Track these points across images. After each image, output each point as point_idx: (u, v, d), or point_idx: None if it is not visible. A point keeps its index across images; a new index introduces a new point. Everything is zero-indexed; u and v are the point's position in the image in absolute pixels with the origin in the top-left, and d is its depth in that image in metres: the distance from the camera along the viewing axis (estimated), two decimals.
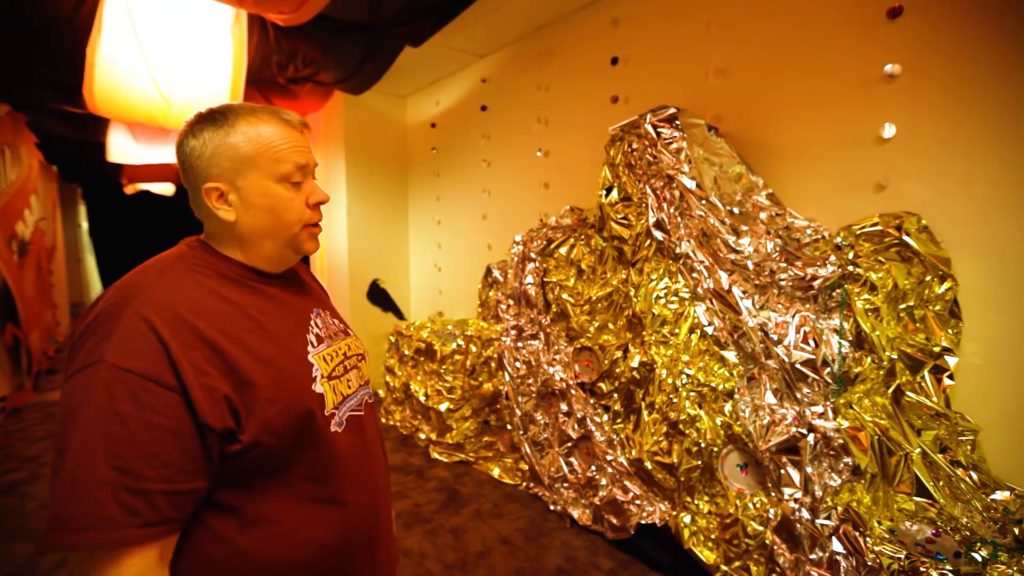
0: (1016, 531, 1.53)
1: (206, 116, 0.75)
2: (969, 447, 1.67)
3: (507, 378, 2.79)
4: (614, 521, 2.29)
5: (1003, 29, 1.62)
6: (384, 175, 4.66)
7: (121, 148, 4.46)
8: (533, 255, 2.64)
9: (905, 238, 1.74)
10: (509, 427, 2.90)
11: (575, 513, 2.48)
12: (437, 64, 3.96)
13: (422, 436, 3.46)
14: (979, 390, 1.68)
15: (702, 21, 2.44)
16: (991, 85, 1.65)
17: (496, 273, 3.08)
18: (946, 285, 1.70)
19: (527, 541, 2.42)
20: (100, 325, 0.66)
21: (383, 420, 3.96)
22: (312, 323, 0.84)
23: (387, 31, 3.11)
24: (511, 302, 2.81)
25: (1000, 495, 1.61)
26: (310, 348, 0.80)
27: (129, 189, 6.40)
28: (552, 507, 2.62)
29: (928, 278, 1.73)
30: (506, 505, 2.74)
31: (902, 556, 1.48)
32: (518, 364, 2.73)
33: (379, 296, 4.61)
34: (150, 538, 0.62)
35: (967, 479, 1.63)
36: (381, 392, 4.19)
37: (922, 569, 1.42)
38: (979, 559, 1.43)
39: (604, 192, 2.27)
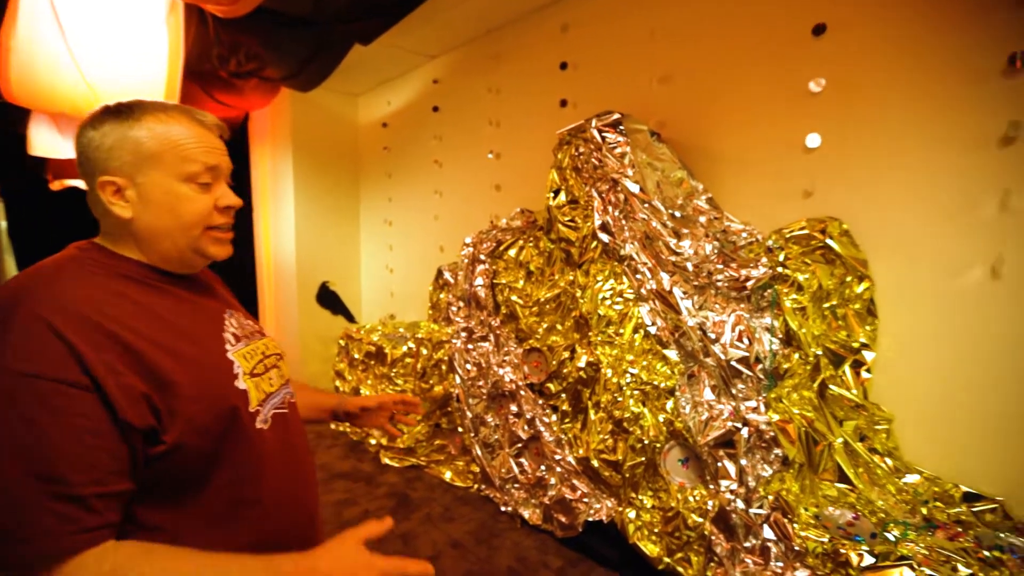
0: (924, 511, 1.65)
1: (112, 108, 0.73)
2: (884, 435, 1.79)
3: (458, 380, 2.78)
4: (563, 520, 2.32)
5: (916, 46, 1.75)
6: (334, 175, 4.55)
7: (44, 141, 4.14)
8: (483, 257, 2.64)
9: (828, 241, 1.85)
10: (460, 429, 2.89)
11: (525, 513, 2.49)
12: (389, 64, 3.91)
13: (372, 441, 3.39)
14: (893, 382, 1.82)
15: (647, 29, 2.52)
16: (904, 100, 1.79)
17: (447, 275, 3.06)
18: (864, 285, 1.83)
19: (478, 543, 2.41)
20: None
21: (331, 426, 3.85)
22: (227, 323, 0.83)
23: (334, 28, 3.04)
24: (461, 304, 2.80)
25: (911, 478, 1.74)
26: (228, 347, 0.79)
27: (55, 185, 5.96)
28: (503, 508, 2.62)
29: (849, 279, 1.85)
30: (457, 508, 2.72)
31: (825, 540, 1.57)
32: (468, 366, 2.73)
33: (328, 298, 4.49)
34: (89, 543, 0.60)
35: (883, 465, 1.75)
36: None
37: (842, 551, 1.51)
38: (892, 538, 1.54)
39: (552, 195, 2.31)
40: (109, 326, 0.65)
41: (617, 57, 2.66)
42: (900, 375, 1.80)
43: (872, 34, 1.84)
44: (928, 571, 1.38)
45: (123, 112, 0.72)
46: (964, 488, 1.67)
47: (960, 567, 1.39)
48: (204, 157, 0.75)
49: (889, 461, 1.76)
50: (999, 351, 1.63)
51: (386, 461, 3.23)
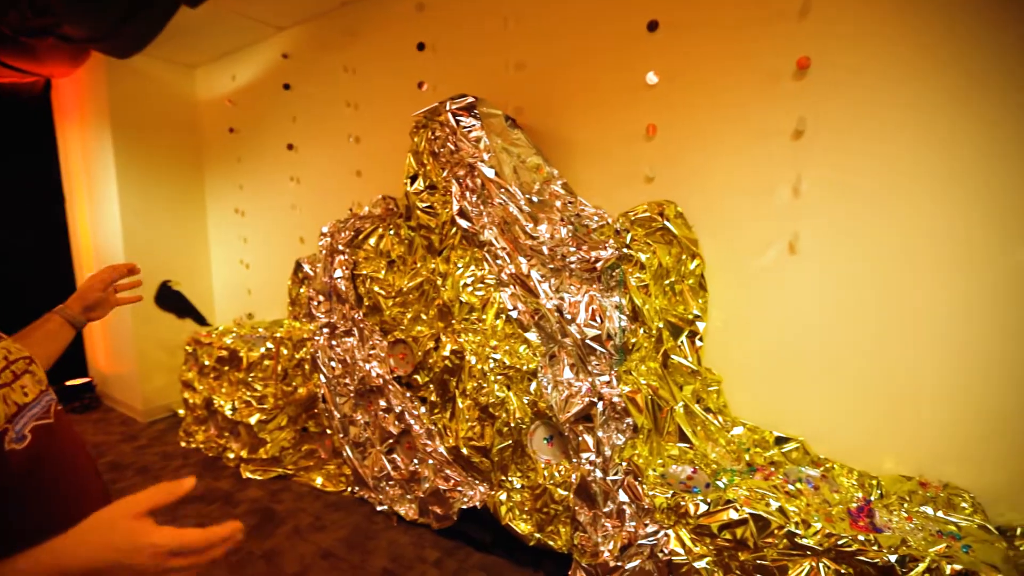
0: (747, 457, 1.89)
1: None
2: (716, 395, 2.02)
3: (323, 379, 2.60)
4: (438, 511, 2.29)
5: (728, 45, 1.95)
6: (170, 157, 3.97)
7: None
8: (341, 247, 2.48)
9: (666, 223, 2.02)
10: (329, 431, 2.71)
11: (401, 510, 2.42)
12: (231, 33, 3.47)
13: (231, 455, 3.06)
14: (721, 348, 2.04)
15: (501, 15, 2.52)
16: (721, 94, 1.98)
17: (307, 268, 2.84)
18: (696, 262, 2.02)
19: (350, 550, 2.29)
20: None
21: (182, 443, 3.41)
22: None
23: None
24: (322, 298, 2.61)
25: (737, 431, 1.98)
26: None
27: None
28: (379, 508, 2.52)
29: (684, 257, 2.03)
30: (329, 515, 2.57)
31: (669, 495, 1.73)
32: (333, 364, 2.56)
33: (171, 300, 3.94)
34: None
35: (715, 422, 1.97)
36: (180, 411, 3.60)
37: (682, 503, 1.68)
38: (721, 485, 1.74)
39: (409, 180, 2.22)
40: None
41: (474, 40, 2.62)
42: (726, 341, 2.04)
43: (695, 33, 2.02)
44: (748, 509, 1.58)
45: None
46: (776, 433, 1.94)
47: (771, 501, 1.61)
48: None
49: (720, 418, 1.98)
50: (800, 315, 1.90)
51: (248, 475, 2.94)
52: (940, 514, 1.58)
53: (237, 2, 3.07)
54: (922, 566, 1.36)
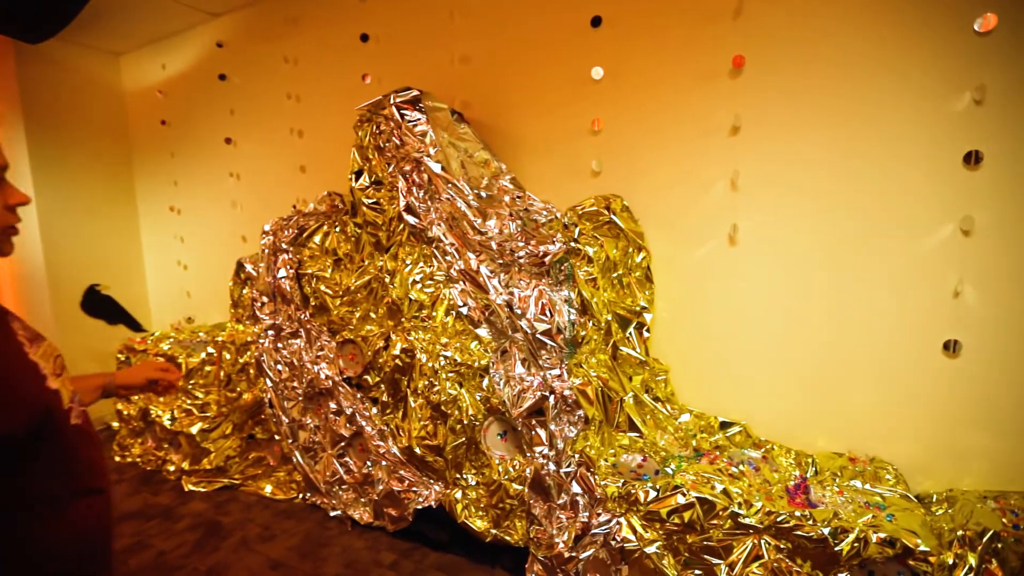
0: (694, 443, 1.96)
1: None
2: (664, 384, 2.07)
3: (269, 384, 2.50)
4: (393, 513, 2.25)
5: (678, 41, 1.99)
6: (94, 152, 3.69)
7: None
8: (285, 245, 2.38)
9: (613, 217, 2.05)
10: (277, 437, 2.61)
11: (355, 514, 2.37)
12: (157, 17, 3.26)
13: (171, 468, 2.90)
14: (667, 338, 2.10)
15: (446, 8, 2.48)
16: (661, 91, 2.03)
17: (249, 268, 2.71)
18: (642, 255, 2.07)
19: (302, 558, 2.22)
20: None
21: (116, 458, 3.20)
22: (13, 326, 0.81)
23: None
24: (266, 299, 2.50)
25: (684, 418, 2.04)
26: (27, 349, 0.79)
27: None
28: (332, 514, 2.45)
29: (630, 250, 2.07)
30: (279, 524, 2.48)
31: (620, 484, 1.76)
32: (279, 367, 2.46)
33: (101, 305, 3.66)
34: None
35: (663, 411, 2.02)
36: (115, 424, 3.38)
37: (632, 490, 1.71)
38: (670, 472, 1.79)
39: (354, 176, 2.16)
40: None
41: (419, 33, 2.57)
42: (672, 332, 2.10)
43: (637, 29, 2.05)
44: (694, 493, 1.63)
45: None
46: (721, 418, 2.02)
47: (716, 484, 1.67)
48: None
49: (668, 407, 2.04)
50: (740, 305, 1.98)
51: (190, 488, 2.79)
52: (868, 486, 1.69)
53: None
54: (852, 536, 1.45)
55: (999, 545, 1.38)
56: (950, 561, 1.38)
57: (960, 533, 1.42)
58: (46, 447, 0.76)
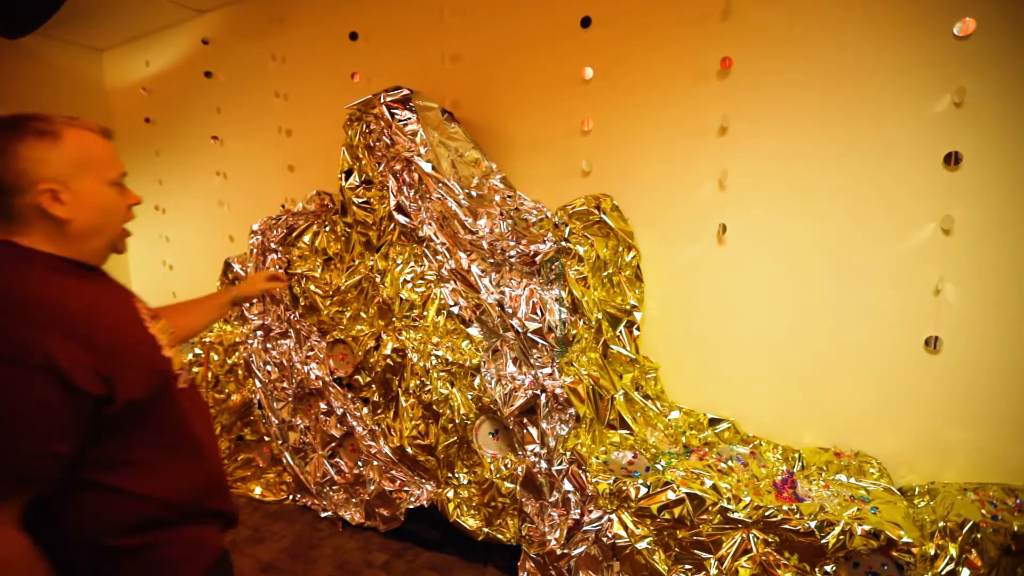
0: (683, 440, 1.98)
1: (23, 124, 0.81)
2: (654, 382, 2.10)
3: (258, 384, 2.48)
4: (385, 513, 2.25)
5: (667, 42, 2.00)
6: None
7: None
8: (274, 245, 2.36)
9: (603, 216, 2.06)
10: (267, 438, 2.59)
11: (346, 515, 2.36)
12: (142, 14, 3.21)
13: None
14: (657, 336, 2.12)
15: (437, 6, 2.47)
16: (651, 91, 2.05)
17: (237, 268, 2.68)
18: (632, 254, 2.08)
19: (293, 560, 2.21)
20: None
21: None
22: (136, 305, 0.94)
23: None
24: (255, 299, 2.48)
25: (674, 415, 2.06)
26: (148, 324, 0.91)
27: None
28: (322, 515, 2.44)
29: (620, 249, 2.09)
30: (269, 526, 2.46)
31: (611, 481, 1.78)
32: (268, 367, 2.44)
33: None
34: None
35: (653, 408, 2.04)
36: None
37: (623, 487, 1.73)
38: (660, 468, 1.81)
39: (343, 175, 2.15)
40: (55, 311, 0.75)
41: (409, 31, 2.56)
42: (661, 330, 2.12)
43: (627, 30, 2.07)
44: (684, 489, 1.66)
45: (40, 127, 0.81)
46: (710, 415, 2.05)
47: (705, 480, 1.69)
48: (118, 164, 0.90)
49: (658, 404, 2.06)
50: (728, 303, 2.01)
51: None
52: (853, 480, 1.72)
53: None
54: (837, 529, 1.48)
55: (979, 535, 1.42)
56: (932, 552, 1.41)
57: (941, 524, 1.46)
58: (157, 410, 0.87)
